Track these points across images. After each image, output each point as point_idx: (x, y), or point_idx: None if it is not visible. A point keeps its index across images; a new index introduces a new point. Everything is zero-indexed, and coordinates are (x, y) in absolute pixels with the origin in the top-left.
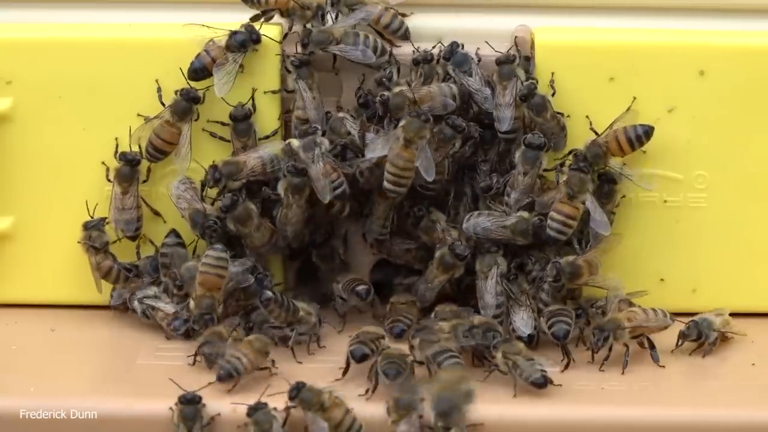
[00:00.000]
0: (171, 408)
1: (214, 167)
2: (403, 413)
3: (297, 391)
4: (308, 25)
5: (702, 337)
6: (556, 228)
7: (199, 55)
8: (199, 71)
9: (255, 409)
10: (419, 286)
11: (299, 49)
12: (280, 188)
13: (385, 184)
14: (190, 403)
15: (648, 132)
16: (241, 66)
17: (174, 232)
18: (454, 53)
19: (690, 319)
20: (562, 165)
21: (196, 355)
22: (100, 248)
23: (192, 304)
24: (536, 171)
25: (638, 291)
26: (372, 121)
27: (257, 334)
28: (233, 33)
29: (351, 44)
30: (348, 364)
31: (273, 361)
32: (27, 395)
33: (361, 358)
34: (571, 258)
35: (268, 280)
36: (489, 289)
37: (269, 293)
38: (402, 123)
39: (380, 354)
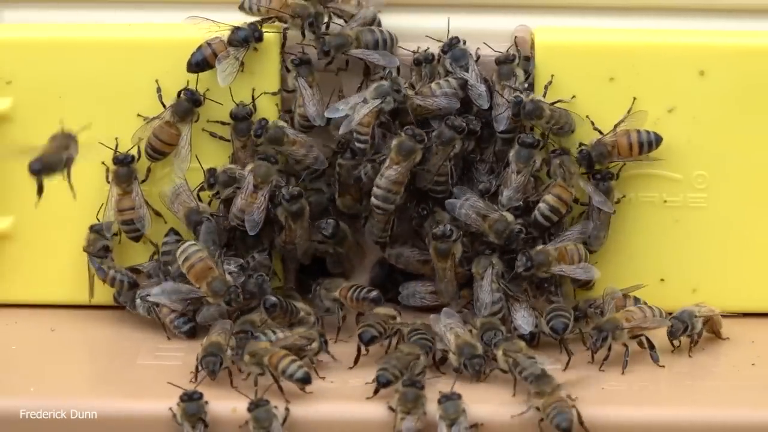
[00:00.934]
0: (170, 408)
1: (212, 172)
2: (410, 406)
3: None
4: (306, 32)
5: (688, 327)
6: (545, 215)
7: (200, 47)
8: (201, 63)
9: (256, 406)
10: (439, 285)
11: (319, 57)
12: (280, 215)
13: (373, 200)
14: (192, 399)
15: (658, 141)
16: (242, 64)
17: (173, 231)
18: (452, 47)
19: (670, 317)
20: (553, 152)
21: (197, 369)
22: (95, 253)
23: (209, 299)
24: (529, 170)
25: (634, 285)
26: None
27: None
28: (236, 29)
29: (371, 42)
30: (359, 351)
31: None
32: (27, 395)
33: (370, 341)
34: (540, 246)
35: (267, 284)
36: (484, 287)
37: (273, 299)
38: (394, 142)
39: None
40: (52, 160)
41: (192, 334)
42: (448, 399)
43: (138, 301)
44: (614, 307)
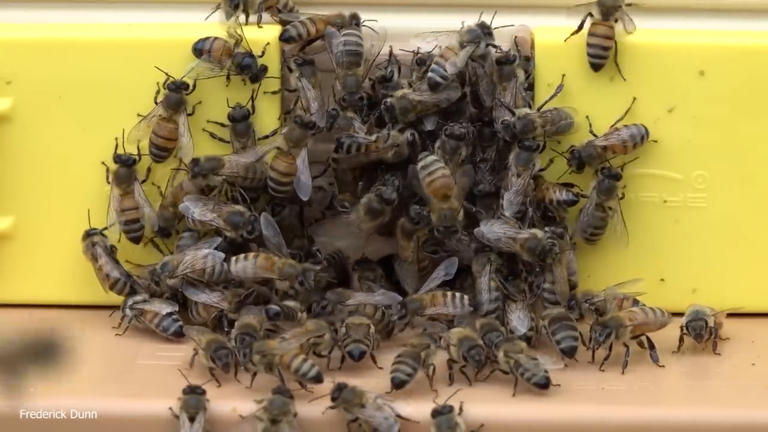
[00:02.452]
0: (170, 408)
1: (195, 161)
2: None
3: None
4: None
5: (707, 325)
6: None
7: (208, 37)
8: (197, 52)
9: (279, 392)
10: (401, 263)
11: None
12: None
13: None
14: (194, 393)
15: (647, 133)
16: (229, 78)
17: (188, 229)
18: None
19: (687, 321)
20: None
21: (213, 367)
22: (112, 251)
23: (282, 285)
24: (530, 172)
25: (632, 280)
26: (380, 124)
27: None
28: (245, 54)
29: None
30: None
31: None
32: (27, 395)
33: (360, 356)
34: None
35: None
36: (482, 286)
37: (276, 308)
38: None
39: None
40: None
41: (181, 334)
42: (440, 414)
43: (127, 310)
44: (616, 305)
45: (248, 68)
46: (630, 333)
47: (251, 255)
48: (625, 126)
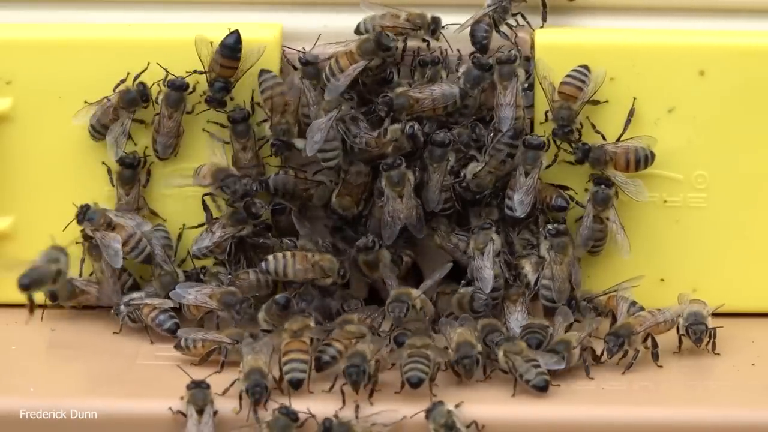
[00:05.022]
0: (170, 408)
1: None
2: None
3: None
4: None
5: (706, 330)
6: None
7: (238, 41)
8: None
9: (286, 414)
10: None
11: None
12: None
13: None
14: (199, 387)
15: (653, 157)
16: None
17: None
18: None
19: (687, 324)
20: None
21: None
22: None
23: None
24: (537, 171)
25: (636, 278)
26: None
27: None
28: (224, 81)
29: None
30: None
31: None
32: (27, 395)
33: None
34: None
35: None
36: (486, 263)
37: (286, 296)
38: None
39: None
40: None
41: (175, 330)
42: (433, 409)
43: (122, 307)
44: (626, 309)
45: (215, 91)
46: (641, 338)
47: (289, 254)
48: (635, 148)
